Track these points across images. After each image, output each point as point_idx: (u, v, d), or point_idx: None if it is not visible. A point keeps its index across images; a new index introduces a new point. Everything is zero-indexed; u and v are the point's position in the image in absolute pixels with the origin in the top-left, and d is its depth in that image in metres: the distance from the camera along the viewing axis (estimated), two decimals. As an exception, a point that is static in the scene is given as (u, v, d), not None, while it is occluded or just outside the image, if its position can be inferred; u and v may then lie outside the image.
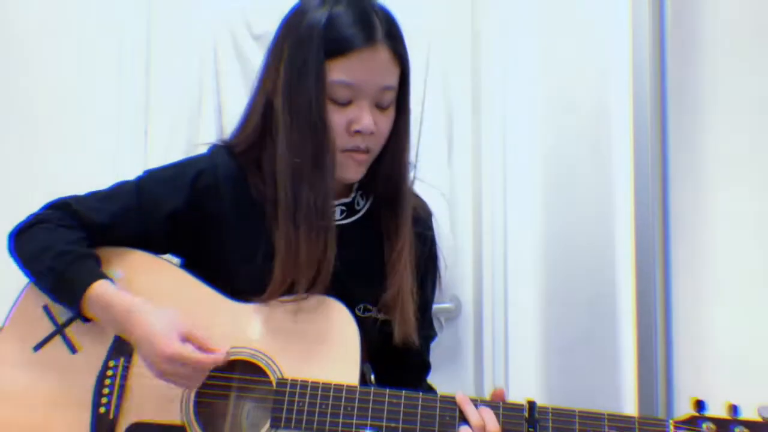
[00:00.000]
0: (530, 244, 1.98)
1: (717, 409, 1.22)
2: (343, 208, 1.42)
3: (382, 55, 1.29)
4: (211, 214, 1.36)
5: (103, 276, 1.31)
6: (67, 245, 1.32)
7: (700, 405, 1.22)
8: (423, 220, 1.49)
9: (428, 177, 1.91)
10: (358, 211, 1.44)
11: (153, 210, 1.36)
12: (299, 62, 1.29)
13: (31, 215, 1.38)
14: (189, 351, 1.24)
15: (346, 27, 1.28)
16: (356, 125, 1.30)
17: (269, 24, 2.03)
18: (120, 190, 1.40)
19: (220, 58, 2.05)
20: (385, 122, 1.34)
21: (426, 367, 1.54)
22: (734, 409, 1.20)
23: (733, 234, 1.55)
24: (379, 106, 1.32)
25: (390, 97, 1.33)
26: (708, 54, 1.59)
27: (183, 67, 2.05)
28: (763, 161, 1.51)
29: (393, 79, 1.32)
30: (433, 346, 1.57)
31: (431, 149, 2.04)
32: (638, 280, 1.65)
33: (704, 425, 1.20)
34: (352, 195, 1.43)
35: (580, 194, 1.88)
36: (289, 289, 1.32)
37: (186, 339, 1.25)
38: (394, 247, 1.40)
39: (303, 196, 1.30)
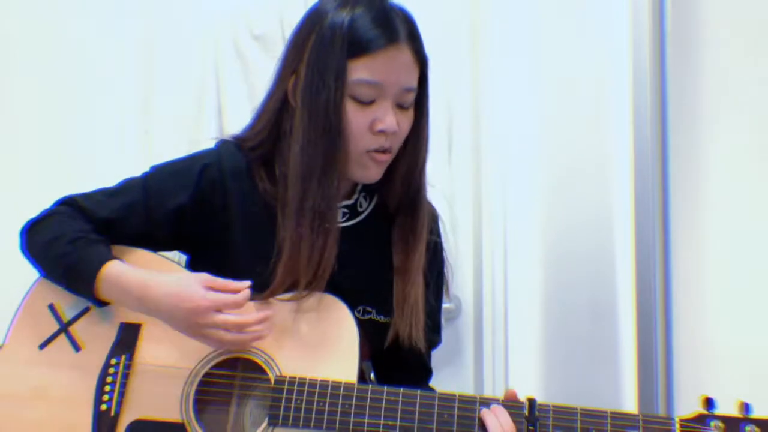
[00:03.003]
0: (530, 244, 1.98)
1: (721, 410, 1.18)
2: (346, 210, 1.42)
3: (404, 55, 1.30)
4: (217, 209, 1.37)
5: (114, 257, 1.33)
6: (79, 232, 1.34)
7: (709, 403, 1.17)
8: (429, 225, 1.48)
9: (428, 177, 1.91)
10: (361, 212, 1.44)
11: (159, 205, 1.37)
12: (321, 63, 1.30)
13: (43, 211, 1.40)
14: (220, 296, 1.24)
15: (369, 28, 1.29)
16: (380, 124, 1.30)
17: (270, 24, 2.06)
18: (127, 186, 1.41)
19: (220, 59, 2.05)
20: (406, 122, 1.34)
21: (428, 373, 1.54)
22: (746, 407, 1.15)
23: (732, 234, 1.56)
24: (401, 107, 1.33)
25: (411, 98, 1.34)
26: (708, 55, 1.60)
27: (183, 67, 2.04)
28: (763, 162, 1.51)
29: (414, 81, 1.33)
30: (433, 346, 1.57)
31: (431, 149, 2.03)
32: (638, 279, 1.65)
33: (712, 424, 1.15)
34: (355, 197, 1.43)
35: (580, 193, 1.88)
36: (289, 289, 1.32)
37: (209, 288, 1.26)
38: (410, 254, 1.40)
39: (309, 198, 1.30)
